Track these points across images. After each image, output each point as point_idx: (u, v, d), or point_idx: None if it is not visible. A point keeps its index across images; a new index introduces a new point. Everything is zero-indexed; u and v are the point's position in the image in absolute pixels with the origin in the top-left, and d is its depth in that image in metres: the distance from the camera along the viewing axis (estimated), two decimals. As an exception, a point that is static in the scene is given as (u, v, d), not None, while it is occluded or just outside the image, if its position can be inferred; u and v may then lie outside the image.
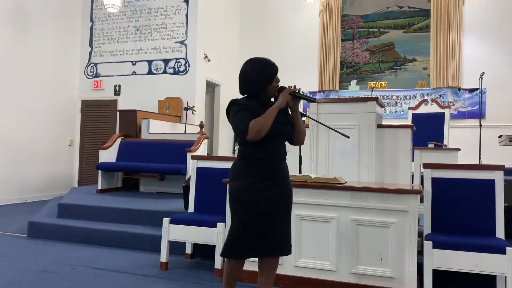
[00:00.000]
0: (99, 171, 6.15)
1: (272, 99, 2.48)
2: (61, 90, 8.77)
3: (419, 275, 2.98)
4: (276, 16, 9.77)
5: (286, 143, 2.52)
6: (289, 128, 2.45)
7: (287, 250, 2.43)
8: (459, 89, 8.43)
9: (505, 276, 2.85)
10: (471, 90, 8.29)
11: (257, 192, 2.32)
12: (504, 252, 2.82)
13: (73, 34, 9.06)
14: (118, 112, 7.41)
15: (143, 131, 6.75)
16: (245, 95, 2.50)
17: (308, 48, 9.42)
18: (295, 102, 2.44)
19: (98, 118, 8.96)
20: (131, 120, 6.78)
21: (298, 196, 3.17)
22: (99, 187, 6.15)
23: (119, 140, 6.50)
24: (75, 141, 9.08)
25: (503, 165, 3.20)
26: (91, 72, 9.10)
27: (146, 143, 6.38)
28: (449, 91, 8.47)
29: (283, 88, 2.44)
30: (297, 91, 2.42)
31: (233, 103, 2.44)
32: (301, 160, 3.74)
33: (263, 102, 2.44)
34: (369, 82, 8.92)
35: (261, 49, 9.67)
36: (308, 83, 9.02)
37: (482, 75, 6.50)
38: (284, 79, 10.34)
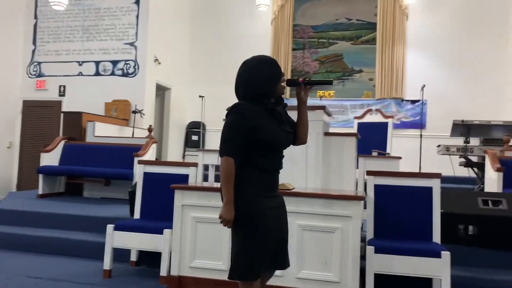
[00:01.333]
0: (40, 175, 5.88)
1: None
2: (1, 89, 8.30)
3: (361, 279, 3.07)
4: (228, 22, 9.79)
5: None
6: (290, 137, 2.29)
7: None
8: (402, 100, 8.82)
9: (440, 279, 3.01)
10: (413, 102, 8.70)
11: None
12: (439, 256, 2.97)
13: (15, 31, 8.63)
14: (62, 114, 7.13)
15: (88, 134, 6.53)
16: (247, 100, 2.18)
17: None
18: (306, 93, 2.29)
19: (40, 119, 8.56)
20: (76, 122, 6.55)
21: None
22: (40, 192, 5.87)
23: (62, 143, 6.25)
24: (15, 143, 8.62)
25: (440, 174, 3.38)
26: (34, 71, 8.69)
27: (91, 146, 6.17)
28: (393, 102, 8.85)
29: (290, 81, 2.27)
30: (307, 79, 2.26)
31: (235, 111, 2.14)
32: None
33: (268, 106, 2.18)
34: (318, 91, 9.14)
35: (213, 54, 9.68)
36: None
37: (423, 87, 6.85)
38: (235, 85, 10.05)
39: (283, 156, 2.28)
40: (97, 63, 8.36)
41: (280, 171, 2.27)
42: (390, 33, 8.91)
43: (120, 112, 7.89)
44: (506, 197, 3.70)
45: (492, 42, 8.47)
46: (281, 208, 2.28)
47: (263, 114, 2.16)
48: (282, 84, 2.22)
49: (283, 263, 2.28)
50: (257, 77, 2.17)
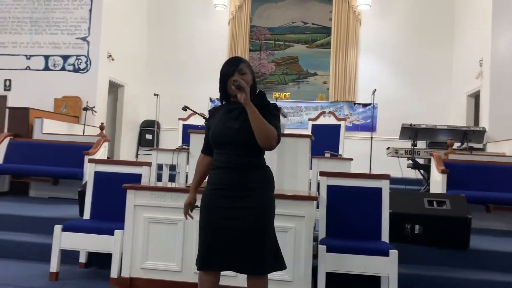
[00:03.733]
0: (-18, 174, 5.58)
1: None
2: None
3: (314, 278, 3.13)
4: (185, 21, 9.69)
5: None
6: (237, 133, 2.19)
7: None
8: (354, 104, 9.08)
9: (388, 277, 3.12)
10: (364, 105, 8.98)
11: None
12: (387, 255, 3.08)
13: (-44, 20, 8.13)
14: (7, 109, 6.79)
15: (35, 131, 6.28)
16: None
17: (217, 55, 9.45)
18: (241, 96, 2.13)
19: (-17, 115, 8.11)
20: (22, 118, 6.28)
21: (198, 202, 3.16)
22: (-19, 191, 5.57)
23: (7, 140, 5.96)
24: (-46, 140, 8.12)
25: (389, 175, 3.51)
26: (-24, 63, 8.22)
27: (38, 144, 5.93)
28: (346, 105, 9.09)
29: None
30: (236, 84, 2.16)
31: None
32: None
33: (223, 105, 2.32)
34: (274, 93, 9.23)
35: (170, 52, 9.54)
36: (216, 89, 8.99)
37: (374, 91, 7.09)
38: (194, 84, 10.28)
39: (239, 154, 2.20)
40: (46, 57, 8.03)
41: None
42: (344, 38, 9.15)
43: (70, 109, 7.62)
44: (449, 198, 3.89)
45: (438, 49, 8.90)
46: (238, 210, 2.18)
47: (221, 113, 2.27)
48: (230, 86, 2.18)
49: (236, 266, 2.23)
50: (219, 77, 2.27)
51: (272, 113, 2.25)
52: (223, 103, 2.33)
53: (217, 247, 2.20)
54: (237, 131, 2.19)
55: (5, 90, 8.08)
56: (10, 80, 8.08)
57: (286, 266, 2.38)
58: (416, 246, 3.75)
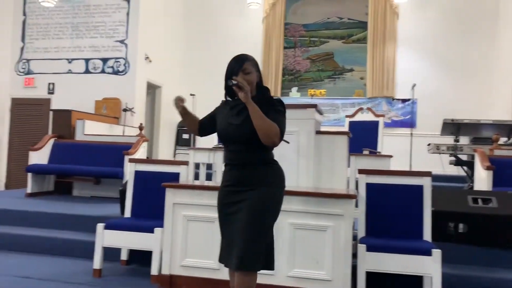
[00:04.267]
0: (29, 174, 5.81)
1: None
2: (-12, 86, 8.21)
3: (353, 277, 3.08)
4: (220, 20, 9.76)
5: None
6: (239, 129, 2.19)
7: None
8: (393, 99, 8.86)
9: (431, 277, 3.02)
10: (403, 101, 8.75)
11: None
12: (430, 254, 2.98)
13: (4, 28, 8.52)
14: (51, 112, 7.05)
15: (78, 132, 6.47)
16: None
17: (251, 53, 9.33)
18: (240, 95, 2.14)
19: (29, 117, 8.47)
20: (65, 120, 6.48)
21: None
22: (29, 191, 5.81)
23: (51, 141, 6.18)
24: (3, 142, 8.51)
25: (431, 172, 3.40)
26: (22, 68, 8.59)
27: (81, 144, 6.11)
28: (384, 100, 8.89)
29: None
30: (232, 82, 2.16)
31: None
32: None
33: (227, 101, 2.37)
34: (309, 90, 9.15)
35: (205, 52, 9.63)
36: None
37: (414, 86, 6.89)
38: (227, 84, 10.01)
39: (243, 150, 2.20)
40: (86, 60, 8.29)
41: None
42: (381, 32, 8.95)
43: (110, 110, 7.83)
44: (496, 195, 3.73)
45: (481, 41, 8.55)
46: (237, 204, 2.19)
47: (227, 109, 2.31)
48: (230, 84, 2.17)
49: (227, 261, 2.22)
50: None
51: (276, 109, 2.23)
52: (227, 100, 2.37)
53: (225, 243, 2.27)
54: (239, 127, 2.19)
55: (49, 93, 8.40)
56: (53, 84, 8.39)
57: (274, 268, 2.32)
58: (460, 245, 3.62)
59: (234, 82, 2.14)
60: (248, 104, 2.12)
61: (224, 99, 2.40)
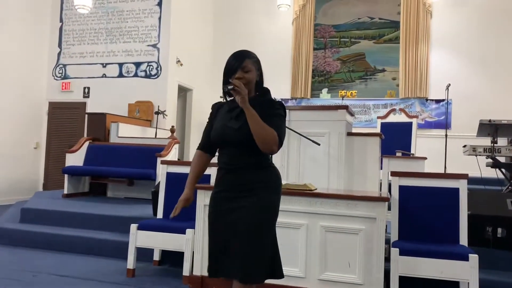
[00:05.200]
0: (66, 175, 5.99)
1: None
2: (28, 91, 8.51)
3: (386, 282, 3.02)
4: (250, 22, 9.80)
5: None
6: (237, 133, 2.10)
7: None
8: (427, 100, 8.66)
9: (468, 282, 2.93)
10: (437, 101, 8.53)
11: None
12: (467, 259, 2.90)
13: (42, 34, 8.83)
14: (86, 115, 7.25)
15: (112, 134, 6.63)
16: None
17: (281, 55, 9.49)
18: (237, 99, 2.05)
19: (65, 120, 8.73)
20: (100, 123, 6.65)
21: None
22: (65, 192, 5.99)
23: (87, 143, 6.36)
24: (41, 144, 8.82)
25: (467, 174, 3.30)
26: (59, 73, 8.88)
27: (115, 147, 6.26)
28: (417, 101, 8.69)
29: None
30: (226, 89, 2.10)
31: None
32: (272, 167, 3.75)
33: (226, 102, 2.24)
34: (340, 91, 9.05)
35: (234, 55, 9.67)
36: (280, 90, 9.08)
37: (448, 86, 6.70)
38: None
39: (239, 154, 2.11)
40: (120, 64, 8.48)
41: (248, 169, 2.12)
42: (414, 32, 8.76)
43: (143, 113, 7.98)
44: (536, 198, 3.58)
45: (519, 39, 8.24)
46: (235, 211, 2.08)
47: (224, 112, 2.21)
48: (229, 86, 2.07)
49: (224, 271, 2.09)
50: None
51: (276, 113, 2.13)
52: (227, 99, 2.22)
53: (219, 253, 2.11)
54: (237, 132, 2.09)
55: (84, 97, 8.64)
56: (88, 88, 8.64)
57: (284, 275, 2.16)
58: (498, 250, 3.50)
59: (230, 86, 2.05)
60: (246, 109, 2.03)
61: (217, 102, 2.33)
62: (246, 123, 2.05)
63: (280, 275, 2.14)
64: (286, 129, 3.76)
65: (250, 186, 2.09)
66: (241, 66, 2.13)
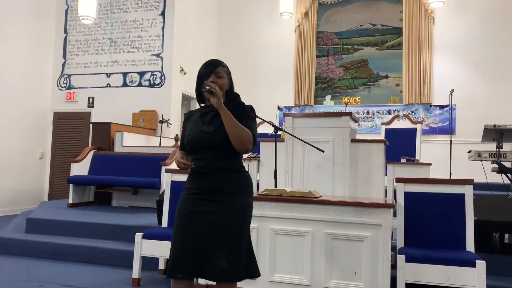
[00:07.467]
0: (70, 185, 6.01)
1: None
2: (33, 101, 8.57)
3: (392, 289, 3.00)
4: (252, 30, 9.85)
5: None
6: (211, 137, 2.15)
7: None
8: (430, 106, 8.64)
9: (475, 289, 2.90)
10: (441, 107, 8.51)
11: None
12: (474, 265, 2.87)
13: (46, 45, 8.91)
14: (91, 125, 7.29)
15: (116, 144, 6.65)
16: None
17: (284, 63, 9.52)
18: (214, 100, 2.13)
19: (70, 130, 8.78)
20: (104, 132, 6.68)
21: (273, 210, 3.16)
22: (70, 201, 6.00)
23: (91, 153, 6.38)
24: (46, 154, 8.86)
25: (473, 180, 3.28)
26: (64, 83, 8.94)
27: (119, 156, 6.28)
28: (421, 107, 8.68)
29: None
30: (203, 90, 2.17)
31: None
32: (276, 174, 3.75)
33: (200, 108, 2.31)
34: (343, 98, 9.06)
35: (237, 63, 9.71)
36: (284, 97, 9.10)
37: (452, 92, 6.69)
38: (262, 92, 10.36)
39: (214, 158, 2.16)
40: (124, 74, 8.53)
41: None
42: (416, 38, 8.77)
43: (147, 122, 8.01)
44: (543, 203, 3.56)
45: (523, 44, 8.23)
46: (211, 214, 2.12)
47: (196, 117, 2.26)
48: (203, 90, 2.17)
49: (210, 274, 2.10)
50: None
51: (247, 115, 2.23)
52: (200, 105, 2.32)
53: (187, 253, 2.13)
54: (211, 135, 2.15)
55: (89, 107, 8.69)
56: (93, 98, 8.68)
57: (260, 274, 2.25)
58: (505, 256, 3.47)
59: (207, 88, 2.13)
60: (221, 110, 2.11)
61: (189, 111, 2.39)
62: (220, 127, 2.13)
63: (257, 274, 2.23)
64: (291, 136, 3.77)
65: (225, 190, 2.15)
66: (215, 71, 2.23)
